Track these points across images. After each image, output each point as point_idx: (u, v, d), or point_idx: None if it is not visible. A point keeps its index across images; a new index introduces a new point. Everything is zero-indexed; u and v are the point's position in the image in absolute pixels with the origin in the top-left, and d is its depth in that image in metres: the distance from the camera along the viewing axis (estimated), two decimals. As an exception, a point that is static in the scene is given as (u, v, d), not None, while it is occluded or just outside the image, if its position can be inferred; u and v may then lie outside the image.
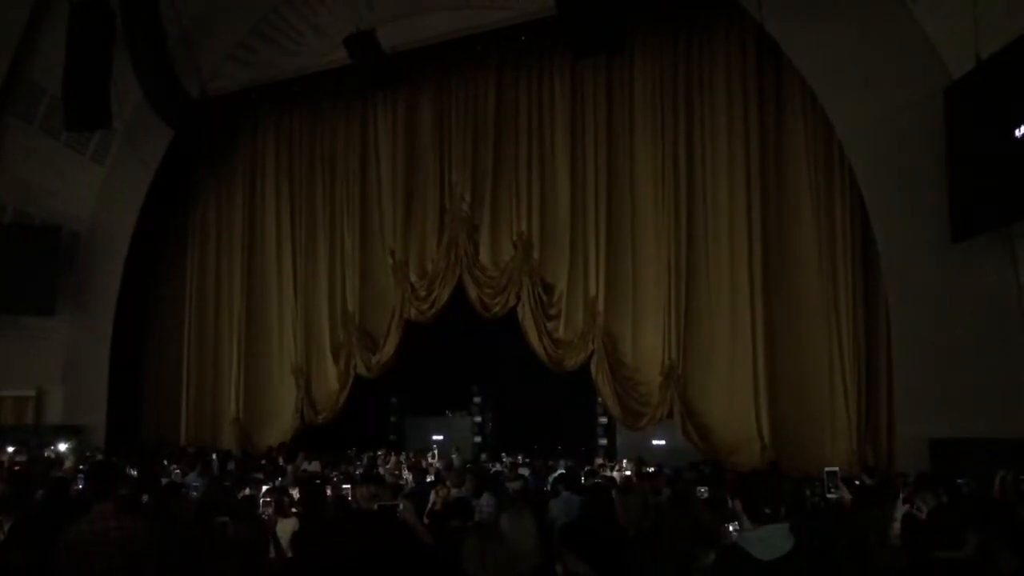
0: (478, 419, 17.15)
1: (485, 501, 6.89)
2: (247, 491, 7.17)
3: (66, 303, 15.95)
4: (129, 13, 12.22)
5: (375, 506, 5.18)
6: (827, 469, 7.35)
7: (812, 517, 6.50)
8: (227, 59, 15.03)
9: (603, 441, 15.52)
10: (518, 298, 13.43)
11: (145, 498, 6.48)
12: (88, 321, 16.20)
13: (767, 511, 3.10)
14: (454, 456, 13.28)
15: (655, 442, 14.30)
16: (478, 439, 16.87)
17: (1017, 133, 8.16)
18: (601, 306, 12.86)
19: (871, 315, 11.20)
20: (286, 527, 6.09)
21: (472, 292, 13.80)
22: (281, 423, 15.48)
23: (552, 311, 13.34)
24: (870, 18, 10.36)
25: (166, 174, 16.07)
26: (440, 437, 16.75)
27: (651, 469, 10.20)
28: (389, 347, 14.55)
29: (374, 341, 14.80)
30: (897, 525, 5.07)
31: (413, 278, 14.47)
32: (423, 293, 14.30)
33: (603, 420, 15.80)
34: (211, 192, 17.02)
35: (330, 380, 15.16)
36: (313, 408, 15.21)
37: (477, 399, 17.20)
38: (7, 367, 15.83)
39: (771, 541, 2.99)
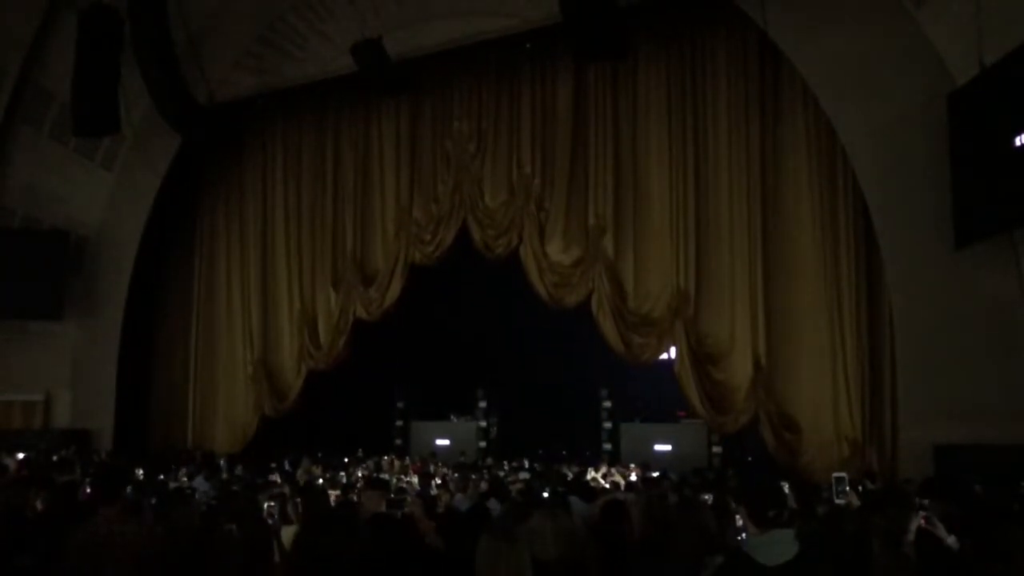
0: (483, 423, 17.16)
1: (491, 506, 6.92)
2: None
3: (74, 308, 16.04)
4: (137, 20, 12.32)
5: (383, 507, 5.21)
6: (835, 475, 7.32)
7: (818, 522, 6.49)
8: (234, 66, 15.11)
9: (607, 446, 15.57)
10: (520, 239, 13.56)
11: (152, 501, 6.51)
12: (96, 325, 16.29)
13: (771, 515, 3.12)
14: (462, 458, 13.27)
15: (659, 447, 14.35)
16: (483, 444, 16.88)
17: (1018, 142, 8.18)
18: (607, 237, 12.95)
19: (875, 320, 11.19)
20: (289, 534, 6.12)
21: (476, 234, 13.97)
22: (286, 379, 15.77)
23: (553, 249, 13.45)
24: (873, 24, 10.40)
25: (174, 180, 16.15)
26: (445, 442, 16.78)
27: (655, 474, 10.21)
28: (393, 292, 14.68)
29: (376, 284, 14.92)
30: (910, 537, 5.00)
31: (417, 215, 14.62)
32: (427, 236, 14.46)
33: (607, 425, 15.86)
34: (218, 197, 17.10)
35: (330, 322, 15.33)
36: (311, 356, 15.36)
37: (482, 403, 17.21)
38: (15, 371, 15.94)
39: (776, 546, 3.01)
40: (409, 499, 5.32)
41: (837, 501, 6.97)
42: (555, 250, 13.42)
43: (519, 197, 13.64)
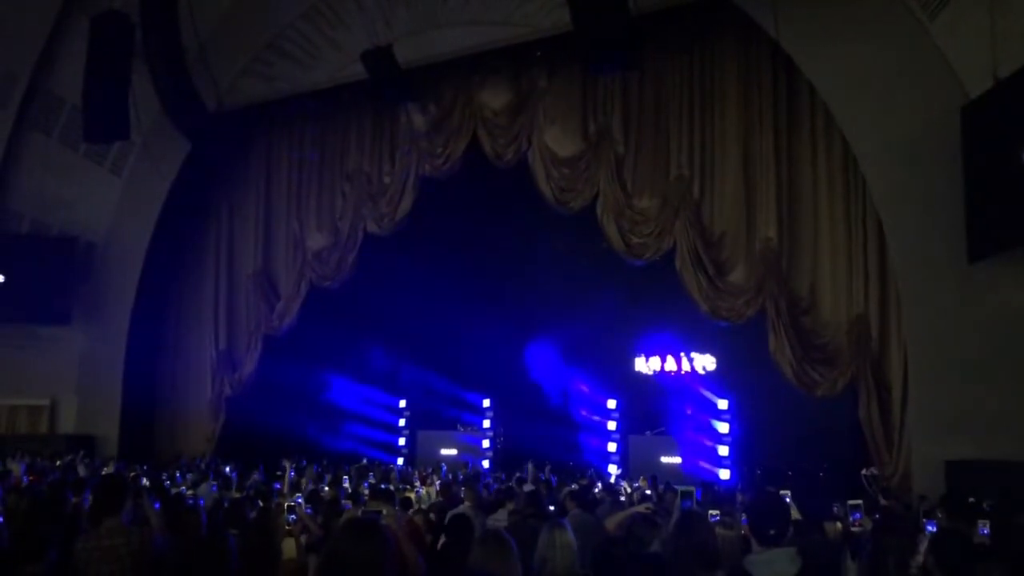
0: (490, 434, 17.09)
1: (500, 516, 6.89)
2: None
3: (81, 313, 16.06)
4: (148, 26, 12.33)
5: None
6: (850, 502, 7.18)
7: (822, 539, 6.38)
8: (244, 73, 15.14)
9: (615, 458, 15.48)
10: (529, 143, 13.65)
11: (157, 508, 6.45)
12: (103, 331, 16.30)
13: (772, 532, 3.06)
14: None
15: (666, 460, 14.23)
16: (490, 454, 16.80)
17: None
18: (616, 131, 12.99)
19: (887, 334, 11.08)
20: (290, 545, 6.09)
21: (486, 143, 14.06)
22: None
23: (558, 147, 13.51)
24: (887, 37, 10.33)
25: (183, 185, 16.17)
26: (452, 452, 16.70)
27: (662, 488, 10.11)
28: (405, 204, 14.76)
29: (387, 198, 14.99)
30: (920, 557, 4.86)
31: (418, 125, 14.65)
32: (438, 149, 14.49)
33: (616, 437, 15.76)
34: (227, 203, 17.11)
35: (338, 239, 15.45)
36: (316, 271, 15.53)
37: (489, 414, 17.15)
38: (22, 376, 15.97)
39: (776, 564, 2.96)
40: (385, 511, 5.27)
41: (853, 529, 6.83)
42: (559, 147, 13.46)
43: (528, 103, 13.74)
